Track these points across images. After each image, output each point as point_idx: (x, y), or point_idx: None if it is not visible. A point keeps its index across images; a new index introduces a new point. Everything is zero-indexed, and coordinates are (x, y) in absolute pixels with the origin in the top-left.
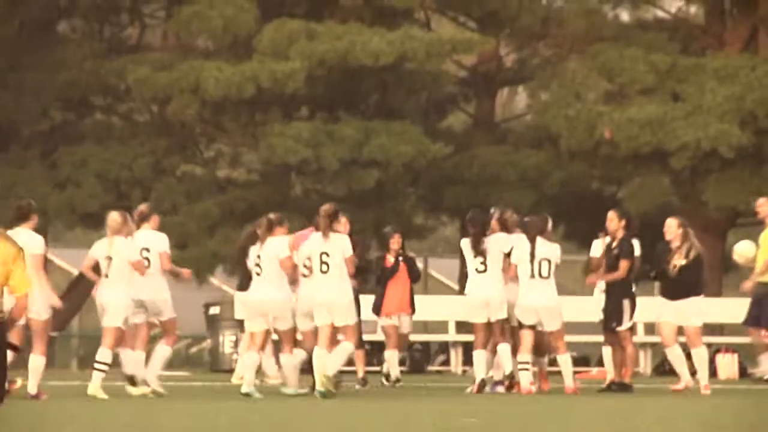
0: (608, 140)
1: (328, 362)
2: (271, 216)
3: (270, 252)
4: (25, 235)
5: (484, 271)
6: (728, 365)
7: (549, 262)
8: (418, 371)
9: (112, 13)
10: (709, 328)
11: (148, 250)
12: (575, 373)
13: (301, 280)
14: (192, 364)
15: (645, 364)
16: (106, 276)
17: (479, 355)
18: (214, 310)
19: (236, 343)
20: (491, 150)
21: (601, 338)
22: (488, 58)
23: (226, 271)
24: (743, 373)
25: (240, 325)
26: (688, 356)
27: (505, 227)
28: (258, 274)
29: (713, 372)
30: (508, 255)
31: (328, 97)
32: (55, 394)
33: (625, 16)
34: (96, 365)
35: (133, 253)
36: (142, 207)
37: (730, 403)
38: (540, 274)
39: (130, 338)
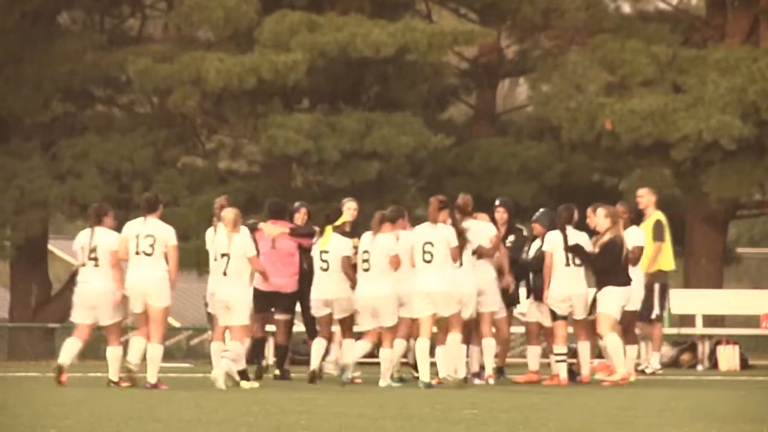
0: (609, 131)
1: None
2: (388, 212)
3: (380, 247)
4: (155, 226)
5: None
6: (729, 357)
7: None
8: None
9: (112, 5)
10: (710, 320)
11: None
12: (571, 365)
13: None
14: (193, 355)
15: (646, 355)
16: (225, 274)
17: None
18: None
19: None
20: (492, 142)
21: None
22: (489, 49)
23: None
24: (744, 364)
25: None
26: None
27: (466, 214)
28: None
29: (714, 363)
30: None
31: (329, 89)
32: (56, 386)
33: (626, 7)
34: (224, 354)
35: (250, 249)
36: (150, 195)
37: (731, 394)
38: (574, 263)
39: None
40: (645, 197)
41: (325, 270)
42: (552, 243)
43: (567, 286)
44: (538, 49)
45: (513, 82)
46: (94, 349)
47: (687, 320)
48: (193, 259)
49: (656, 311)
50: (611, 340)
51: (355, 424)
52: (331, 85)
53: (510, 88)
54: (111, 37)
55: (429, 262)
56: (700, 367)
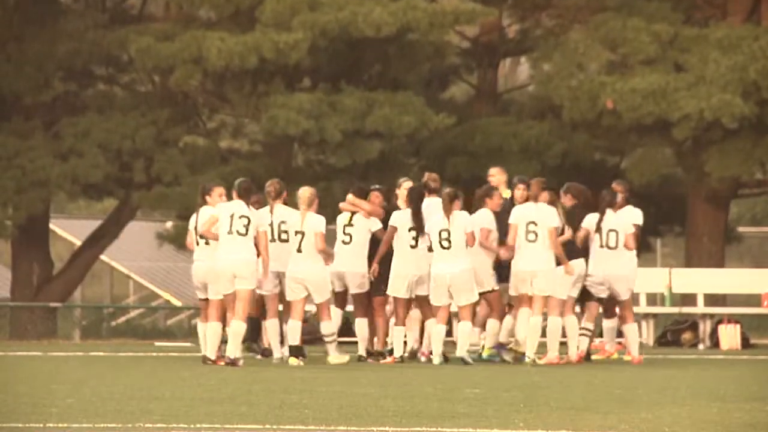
0: (610, 110)
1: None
2: (452, 191)
3: (459, 225)
4: (237, 206)
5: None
6: (731, 336)
7: (617, 233)
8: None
9: None
10: (712, 299)
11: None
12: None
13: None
14: (194, 334)
15: (648, 334)
16: (299, 251)
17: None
18: None
19: None
20: (493, 121)
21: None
22: (491, 29)
23: None
24: (746, 343)
25: None
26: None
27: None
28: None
29: (715, 342)
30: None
31: (330, 68)
32: (58, 365)
33: None
34: (326, 338)
35: (321, 227)
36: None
37: (732, 373)
38: (608, 245)
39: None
40: (496, 176)
41: (347, 244)
42: (590, 224)
43: (603, 267)
44: (539, 28)
45: (514, 61)
46: (94, 329)
47: (688, 299)
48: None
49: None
50: (532, 321)
51: (356, 403)
52: (332, 64)
53: (511, 67)
54: (112, 16)
55: (533, 242)
56: (701, 346)
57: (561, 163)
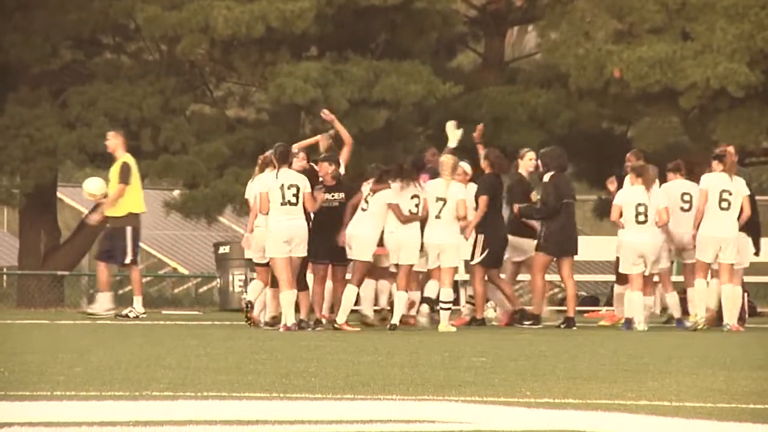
0: (617, 79)
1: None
2: None
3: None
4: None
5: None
6: None
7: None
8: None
9: None
10: None
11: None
12: (584, 312)
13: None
14: (201, 303)
15: (655, 304)
16: (438, 217)
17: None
18: (224, 250)
19: (245, 283)
20: (500, 90)
21: (611, 278)
22: None
23: (236, 211)
24: (752, 312)
25: (249, 264)
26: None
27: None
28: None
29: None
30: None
31: (337, 37)
32: (65, 333)
33: None
34: (443, 305)
35: (463, 194)
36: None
37: (738, 342)
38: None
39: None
40: (111, 140)
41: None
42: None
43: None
44: None
45: (521, 29)
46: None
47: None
48: (201, 207)
49: (130, 256)
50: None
51: (363, 371)
52: (339, 33)
53: (518, 36)
54: None
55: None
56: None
57: (568, 132)
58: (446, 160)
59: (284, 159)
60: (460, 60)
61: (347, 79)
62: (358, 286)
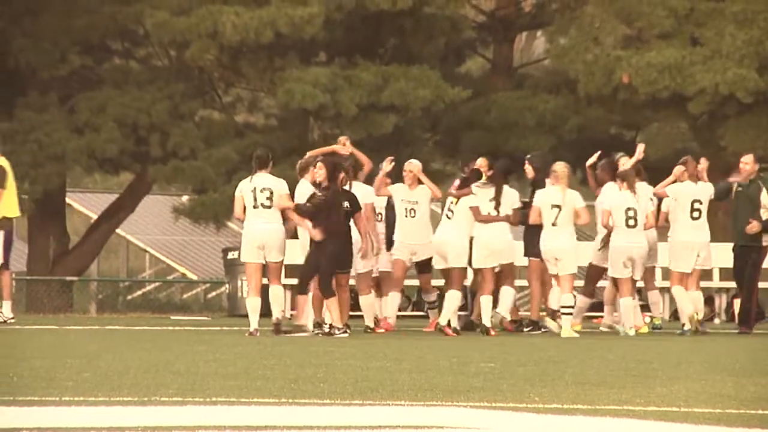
0: (626, 84)
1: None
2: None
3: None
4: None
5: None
6: None
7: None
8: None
9: None
10: (727, 273)
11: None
12: (591, 318)
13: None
14: (210, 308)
15: (663, 308)
16: (554, 224)
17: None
18: (233, 255)
19: None
20: (509, 95)
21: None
22: (507, 2)
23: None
24: (761, 317)
25: None
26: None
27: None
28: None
29: (731, 316)
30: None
31: (346, 42)
32: (74, 338)
33: None
34: (563, 311)
35: (580, 201)
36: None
37: (748, 347)
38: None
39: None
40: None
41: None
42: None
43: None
44: (555, 2)
45: (530, 35)
46: (110, 303)
47: (704, 273)
48: (210, 212)
49: (1, 260)
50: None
51: (372, 376)
52: (347, 38)
53: (527, 41)
54: None
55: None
56: (717, 321)
57: (576, 138)
58: (560, 168)
59: (262, 163)
60: (469, 65)
61: (356, 84)
62: (460, 290)
